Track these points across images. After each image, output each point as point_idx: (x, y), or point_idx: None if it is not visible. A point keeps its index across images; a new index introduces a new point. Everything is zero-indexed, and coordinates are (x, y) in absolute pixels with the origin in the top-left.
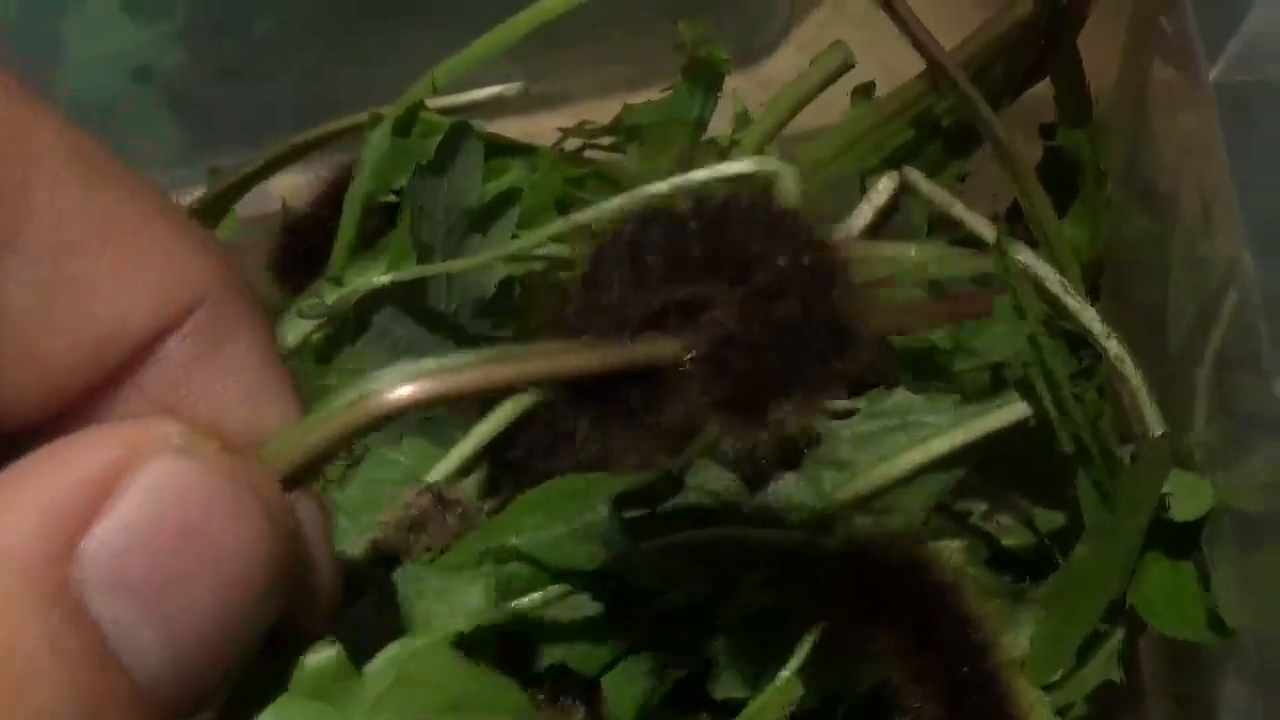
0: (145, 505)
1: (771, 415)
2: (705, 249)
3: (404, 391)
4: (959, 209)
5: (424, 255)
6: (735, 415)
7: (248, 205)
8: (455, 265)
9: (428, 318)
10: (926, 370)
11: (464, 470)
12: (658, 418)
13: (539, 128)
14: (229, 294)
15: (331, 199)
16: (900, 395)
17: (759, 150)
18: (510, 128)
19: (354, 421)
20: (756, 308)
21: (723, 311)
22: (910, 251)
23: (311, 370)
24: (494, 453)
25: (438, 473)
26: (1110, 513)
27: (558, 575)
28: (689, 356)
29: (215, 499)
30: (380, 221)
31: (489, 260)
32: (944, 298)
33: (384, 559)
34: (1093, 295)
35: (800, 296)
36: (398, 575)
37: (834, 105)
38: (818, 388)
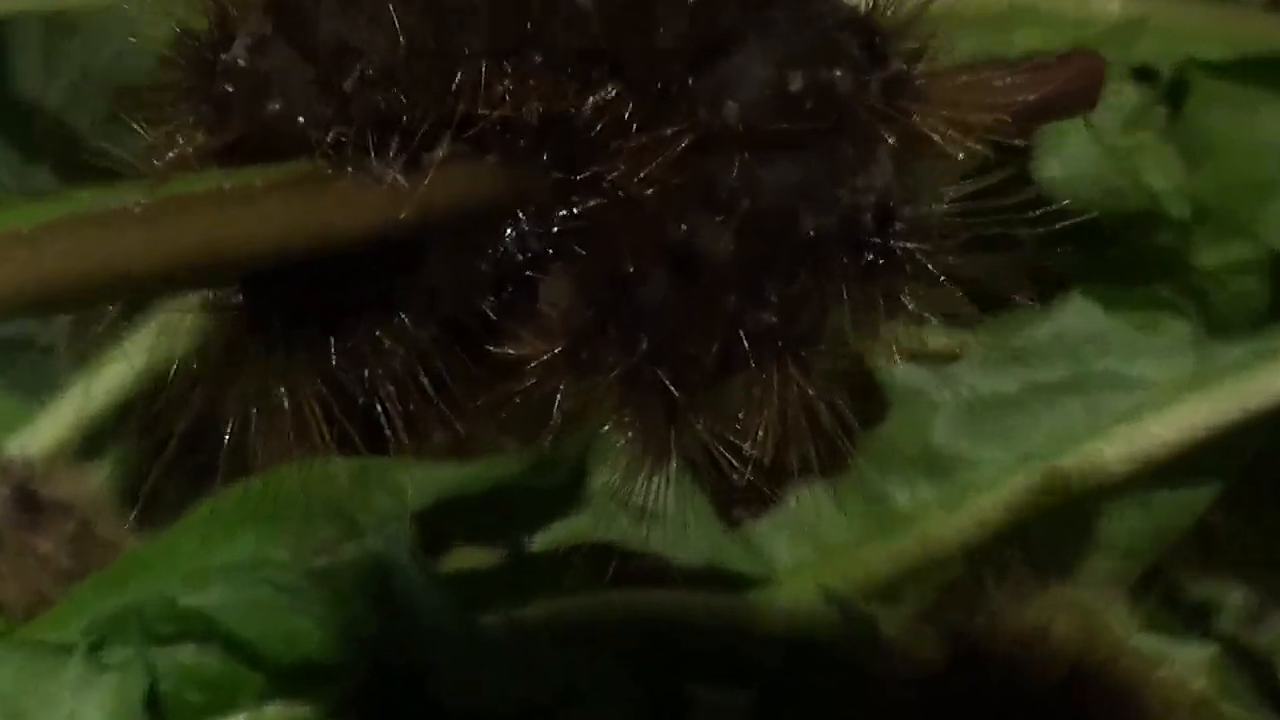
0: None
1: (741, 376)
2: None
3: None
4: None
5: None
6: (650, 379)
7: None
8: None
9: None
10: (1130, 263)
11: (81, 445)
12: (490, 355)
13: None
14: None
15: None
16: (1073, 311)
17: None
18: None
19: None
20: (714, 138)
21: (630, 146)
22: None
23: None
24: (146, 413)
25: (23, 446)
26: None
27: (281, 677)
28: (549, 224)
29: None
30: None
31: None
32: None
33: None
34: None
35: (816, 116)
36: None
37: None
38: (857, 315)
